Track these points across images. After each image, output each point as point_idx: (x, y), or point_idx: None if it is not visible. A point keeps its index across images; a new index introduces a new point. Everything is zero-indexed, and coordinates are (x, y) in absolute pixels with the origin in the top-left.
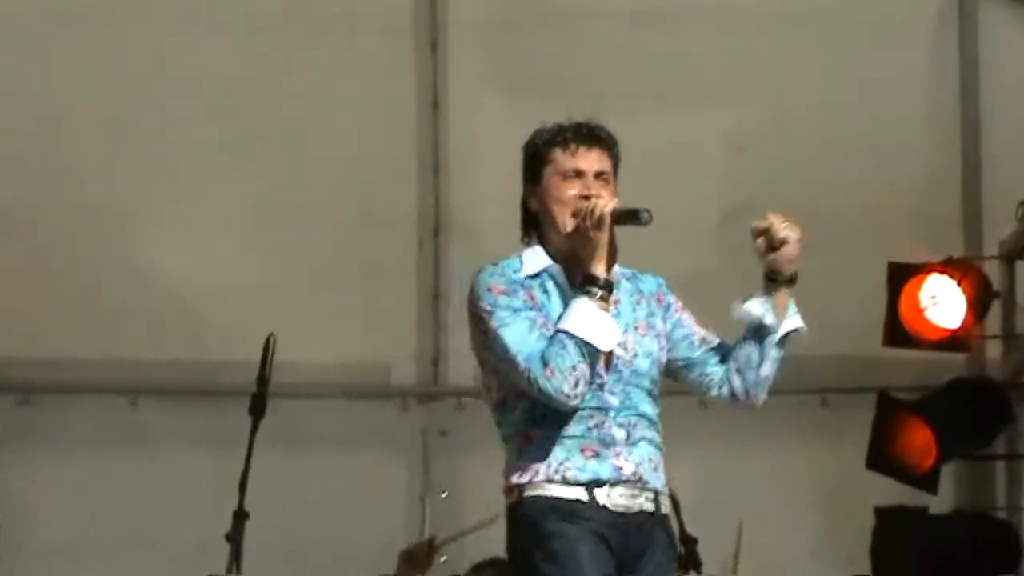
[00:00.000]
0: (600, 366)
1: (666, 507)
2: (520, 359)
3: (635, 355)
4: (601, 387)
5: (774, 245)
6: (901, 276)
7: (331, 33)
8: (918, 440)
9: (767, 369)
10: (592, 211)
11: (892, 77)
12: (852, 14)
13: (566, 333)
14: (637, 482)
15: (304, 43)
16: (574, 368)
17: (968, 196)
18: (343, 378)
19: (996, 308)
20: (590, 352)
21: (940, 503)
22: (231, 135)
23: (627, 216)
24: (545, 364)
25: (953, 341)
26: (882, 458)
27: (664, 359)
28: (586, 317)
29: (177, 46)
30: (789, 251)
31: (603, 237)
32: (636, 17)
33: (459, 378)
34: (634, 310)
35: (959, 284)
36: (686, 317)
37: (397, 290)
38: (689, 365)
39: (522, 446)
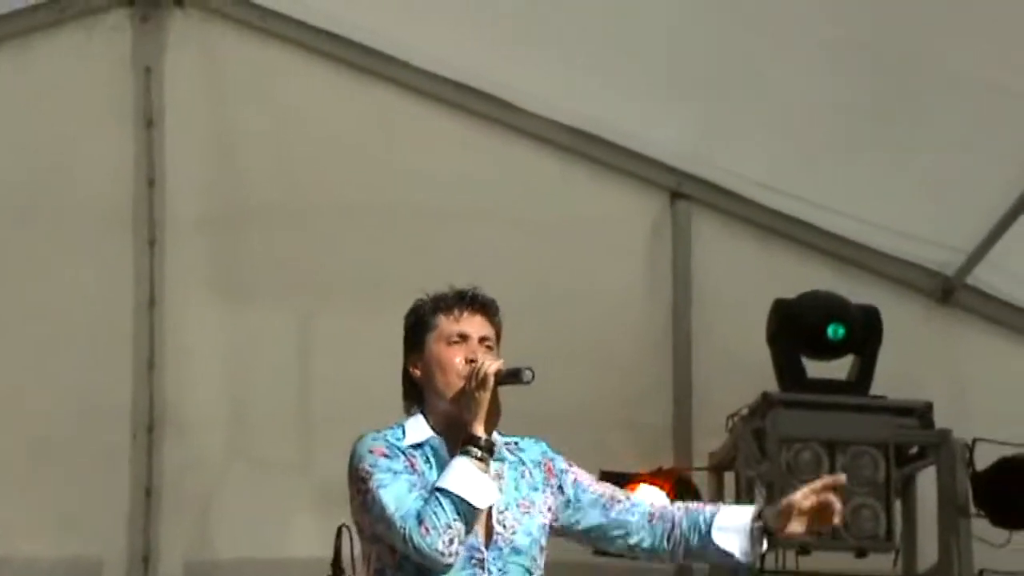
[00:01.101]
0: (480, 541)
1: None
2: (397, 517)
3: (515, 532)
4: (480, 563)
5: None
6: (613, 484)
7: (49, 220)
8: None
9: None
10: (477, 372)
11: (607, 284)
12: (569, 219)
13: (442, 491)
14: None
15: (20, 226)
16: (449, 526)
17: (678, 406)
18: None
19: None
20: (466, 510)
21: None
22: None
23: (510, 376)
24: (420, 522)
25: None
26: None
27: (545, 537)
28: (463, 475)
29: None
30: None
31: (485, 397)
32: (350, 211)
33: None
34: (517, 487)
35: (668, 494)
36: (584, 477)
37: (110, 484)
38: (604, 530)
39: None
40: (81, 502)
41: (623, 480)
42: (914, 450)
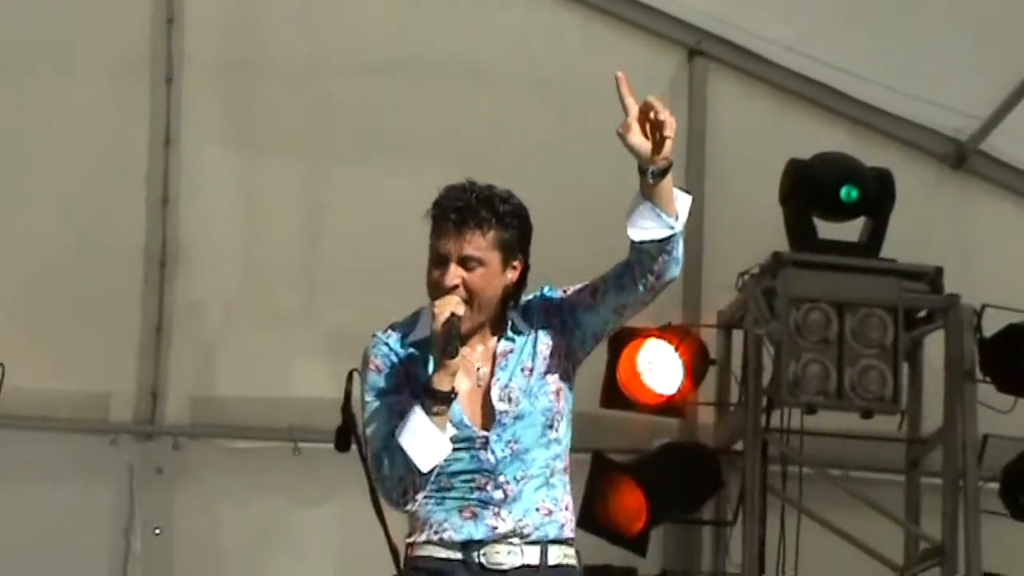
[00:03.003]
0: (475, 428)
1: (560, 556)
2: (370, 451)
3: (517, 403)
4: (485, 445)
5: (656, 130)
6: (619, 339)
7: (58, 63)
8: (630, 502)
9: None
10: (434, 317)
11: (620, 141)
12: (586, 75)
13: (396, 444)
14: (516, 537)
15: (27, 71)
16: (401, 479)
17: (689, 264)
18: (56, 410)
19: (712, 376)
20: (413, 465)
21: (648, 566)
22: None
23: (445, 339)
24: (380, 467)
25: (668, 406)
26: (593, 519)
27: (560, 380)
28: (415, 432)
29: None
30: (668, 144)
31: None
32: (369, 68)
33: (179, 415)
34: (520, 356)
35: (676, 350)
36: (573, 293)
37: (120, 322)
38: (605, 323)
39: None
40: (92, 337)
41: (630, 335)
42: (922, 314)
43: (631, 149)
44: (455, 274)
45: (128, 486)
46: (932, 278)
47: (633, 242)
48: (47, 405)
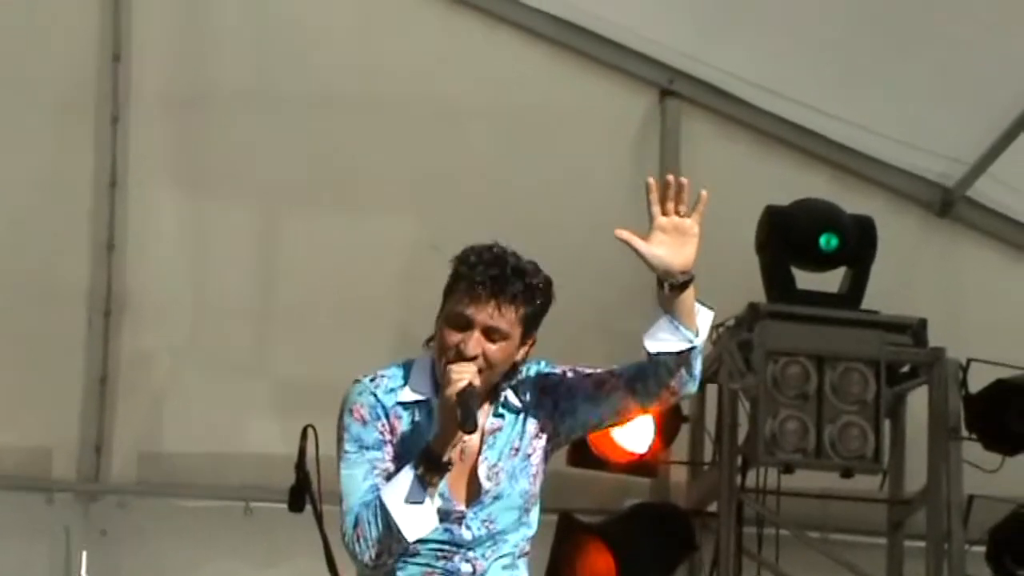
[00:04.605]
0: (456, 503)
1: None
2: (344, 506)
3: (499, 482)
4: (460, 520)
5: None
6: None
7: (7, 93)
8: (598, 565)
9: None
10: (447, 383)
11: (589, 184)
12: (553, 114)
13: (381, 506)
14: None
15: None
16: (378, 542)
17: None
18: None
19: (685, 433)
20: (398, 533)
21: None
22: None
23: (465, 406)
24: (356, 524)
25: (639, 465)
26: None
27: (540, 464)
28: (407, 499)
29: None
30: (693, 227)
31: (455, 416)
32: (325, 101)
33: (124, 471)
34: (509, 435)
35: None
36: (574, 376)
37: (62, 371)
38: (600, 420)
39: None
40: (32, 388)
41: None
42: (906, 368)
43: (647, 261)
44: (478, 343)
45: (65, 547)
46: (916, 331)
47: (649, 354)
48: None
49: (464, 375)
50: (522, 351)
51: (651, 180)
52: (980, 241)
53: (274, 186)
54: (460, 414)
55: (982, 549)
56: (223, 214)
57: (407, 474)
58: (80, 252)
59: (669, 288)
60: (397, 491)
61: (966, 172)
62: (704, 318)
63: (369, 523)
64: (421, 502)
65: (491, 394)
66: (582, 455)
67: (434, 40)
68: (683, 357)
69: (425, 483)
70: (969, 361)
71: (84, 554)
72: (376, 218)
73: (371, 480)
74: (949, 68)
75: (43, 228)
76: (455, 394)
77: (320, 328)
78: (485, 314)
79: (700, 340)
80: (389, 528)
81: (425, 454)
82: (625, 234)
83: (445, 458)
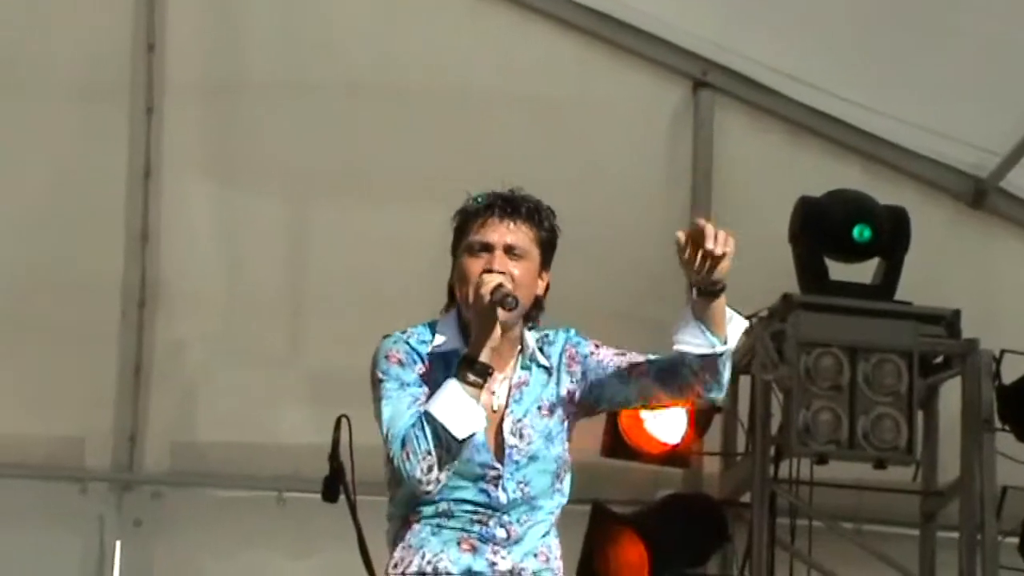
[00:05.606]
0: (491, 458)
1: None
2: (389, 435)
3: (531, 441)
4: (496, 481)
5: (709, 259)
6: None
7: (33, 86)
8: (631, 555)
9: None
10: (477, 288)
11: (622, 175)
12: (585, 105)
13: (427, 416)
14: None
15: (11, 88)
16: (429, 453)
17: None
18: (29, 456)
19: (717, 424)
20: (447, 439)
21: None
22: None
23: (500, 298)
24: (403, 445)
25: (672, 456)
26: (592, 573)
27: (567, 430)
28: (451, 401)
29: None
30: (725, 266)
31: (486, 316)
32: (355, 91)
33: (158, 461)
34: (542, 389)
35: None
36: (606, 352)
37: (96, 362)
38: (627, 399)
39: (400, 531)
40: (66, 378)
41: None
42: (939, 360)
43: (682, 265)
44: (503, 261)
45: (99, 537)
46: (949, 322)
47: (681, 354)
48: (18, 450)
49: (495, 278)
50: (541, 283)
51: (679, 234)
52: (1013, 232)
53: (306, 176)
54: (499, 299)
55: (1015, 540)
56: (255, 204)
57: (447, 385)
58: (114, 242)
59: (699, 294)
60: (440, 399)
61: (999, 163)
62: (736, 326)
63: (417, 437)
64: (464, 401)
65: (516, 341)
66: (615, 446)
67: (464, 31)
68: (708, 362)
69: (466, 383)
70: (1003, 352)
71: (118, 544)
72: (407, 207)
73: (414, 409)
74: (982, 59)
75: (77, 218)
76: (489, 292)
77: (353, 317)
78: (501, 233)
79: (727, 347)
80: (438, 436)
81: (463, 361)
82: (683, 239)
83: (483, 358)
